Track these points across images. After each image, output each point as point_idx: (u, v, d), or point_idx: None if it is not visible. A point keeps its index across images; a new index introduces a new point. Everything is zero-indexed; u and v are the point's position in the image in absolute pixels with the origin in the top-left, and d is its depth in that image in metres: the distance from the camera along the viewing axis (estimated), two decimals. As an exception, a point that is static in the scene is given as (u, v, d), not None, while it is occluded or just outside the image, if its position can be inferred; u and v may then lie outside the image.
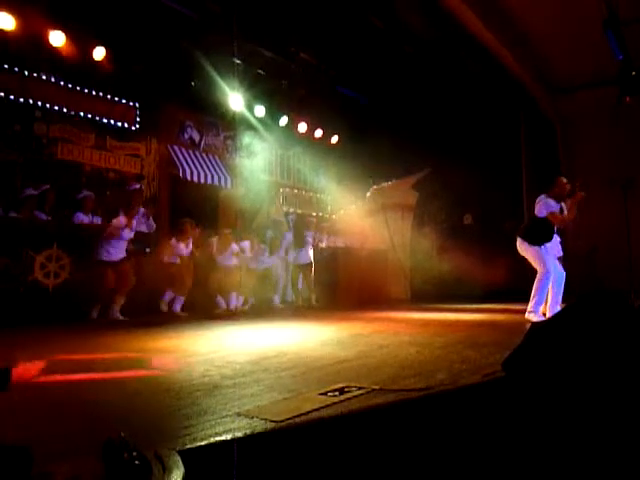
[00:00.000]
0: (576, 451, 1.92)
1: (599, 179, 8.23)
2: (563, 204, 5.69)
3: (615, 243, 8.11)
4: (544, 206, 5.56)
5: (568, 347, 2.28)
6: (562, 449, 1.94)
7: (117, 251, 6.50)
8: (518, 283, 8.67)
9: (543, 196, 5.65)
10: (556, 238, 6.40)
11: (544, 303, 6.11)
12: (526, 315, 5.57)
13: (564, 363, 2.22)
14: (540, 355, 2.32)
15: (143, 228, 7.46)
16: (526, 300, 5.70)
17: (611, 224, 8.23)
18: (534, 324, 2.50)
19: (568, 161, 10.10)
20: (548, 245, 5.68)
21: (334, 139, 11.06)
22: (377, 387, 2.26)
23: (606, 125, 9.28)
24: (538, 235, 5.63)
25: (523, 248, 5.68)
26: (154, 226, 7.71)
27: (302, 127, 10.35)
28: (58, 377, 2.69)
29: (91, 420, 1.87)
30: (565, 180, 5.68)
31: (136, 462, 1.23)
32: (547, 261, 5.56)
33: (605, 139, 9.27)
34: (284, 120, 10.01)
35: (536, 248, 5.60)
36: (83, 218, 6.86)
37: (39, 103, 7.29)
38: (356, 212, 11.12)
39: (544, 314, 5.56)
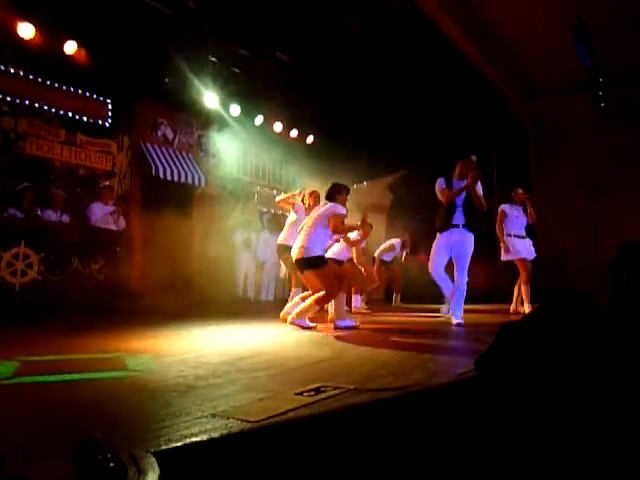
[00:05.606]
0: (546, 448, 1.97)
1: (569, 183, 8.46)
2: (458, 182, 5.40)
3: (584, 244, 8.35)
4: (436, 186, 5.34)
5: (538, 347, 2.32)
6: (532, 447, 1.98)
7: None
8: (490, 285, 8.85)
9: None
10: (528, 241, 6.53)
11: (514, 301, 6.26)
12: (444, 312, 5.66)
13: (534, 363, 2.26)
14: (511, 355, 2.37)
15: (112, 226, 7.35)
16: (499, 302, 5.82)
17: (580, 226, 8.45)
18: (506, 324, 2.54)
19: (538, 165, 10.33)
20: (443, 236, 5.28)
21: (309, 139, 11.06)
22: (353, 387, 2.26)
23: (577, 130, 9.54)
24: (438, 220, 5.33)
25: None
26: (124, 224, 7.59)
27: (277, 127, 10.33)
28: (29, 378, 2.62)
29: (64, 422, 1.83)
30: (474, 159, 5.46)
31: (111, 464, 1.21)
32: (435, 253, 5.26)
33: (576, 144, 9.51)
34: (259, 119, 9.96)
35: (437, 236, 5.29)
36: (52, 216, 6.71)
37: (7, 97, 7.08)
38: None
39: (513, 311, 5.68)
